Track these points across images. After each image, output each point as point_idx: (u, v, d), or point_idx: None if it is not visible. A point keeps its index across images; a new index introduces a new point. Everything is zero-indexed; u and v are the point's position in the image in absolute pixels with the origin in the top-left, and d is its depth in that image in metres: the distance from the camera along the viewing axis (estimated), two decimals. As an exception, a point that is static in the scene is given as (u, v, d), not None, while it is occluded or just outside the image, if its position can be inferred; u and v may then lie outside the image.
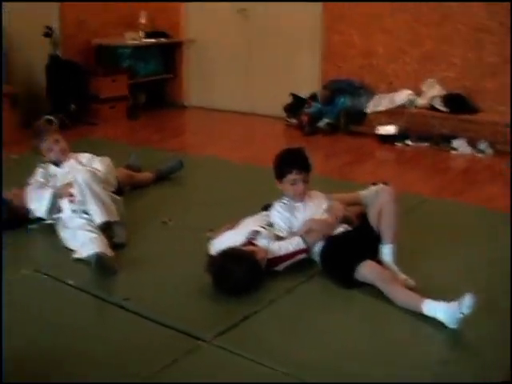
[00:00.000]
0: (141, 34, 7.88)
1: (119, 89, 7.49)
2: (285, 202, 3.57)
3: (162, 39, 7.97)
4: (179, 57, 8.32)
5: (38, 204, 4.03)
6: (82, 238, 3.64)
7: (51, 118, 6.94)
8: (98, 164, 4.27)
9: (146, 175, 4.93)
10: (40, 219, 4.11)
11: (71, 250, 3.69)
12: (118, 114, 7.50)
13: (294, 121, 7.24)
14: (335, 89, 7.02)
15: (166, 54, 8.21)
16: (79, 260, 3.58)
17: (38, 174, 4.27)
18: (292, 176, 3.49)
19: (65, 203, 3.97)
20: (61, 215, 3.98)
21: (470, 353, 2.79)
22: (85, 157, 4.40)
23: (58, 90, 7.13)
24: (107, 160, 4.38)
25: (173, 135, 7.05)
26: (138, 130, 7.31)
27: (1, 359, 2.42)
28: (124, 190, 4.50)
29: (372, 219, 3.43)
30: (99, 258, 3.37)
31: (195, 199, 4.70)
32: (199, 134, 7.12)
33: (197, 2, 8.02)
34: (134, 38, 7.83)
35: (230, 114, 7.85)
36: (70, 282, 3.35)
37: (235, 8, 7.73)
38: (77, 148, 4.55)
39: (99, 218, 3.76)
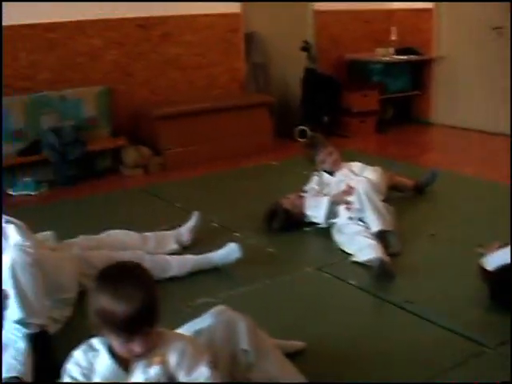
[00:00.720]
0: (391, 50, 8.09)
1: (370, 103, 7.72)
2: None
3: (413, 56, 8.09)
4: (428, 74, 8.38)
5: (316, 210, 4.34)
6: (360, 243, 3.87)
7: (305, 128, 7.42)
8: (370, 173, 4.48)
9: (407, 181, 5.05)
10: (314, 223, 4.43)
11: (347, 253, 3.95)
12: (367, 127, 7.75)
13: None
14: None
15: (415, 70, 8.30)
16: (356, 263, 3.82)
17: (314, 182, 4.60)
18: None
19: (341, 210, 4.24)
20: (336, 220, 4.27)
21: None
22: (356, 166, 4.64)
23: (312, 102, 7.52)
24: (379, 170, 4.58)
25: (421, 151, 7.15)
26: (386, 144, 7.49)
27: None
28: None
29: None
30: (381, 263, 3.58)
31: (457, 214, 4.75)
32: (448, 152, 7.13)
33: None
34: (384, 54, 8.05)
35: (476, 134, 7.75)
36: (352, 282, 3.60)
37: (490, 25, 7.65)
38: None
39: (376, 226, 3.98)
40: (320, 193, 4.51)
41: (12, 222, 3.15)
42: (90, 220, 4.75)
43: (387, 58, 7.97)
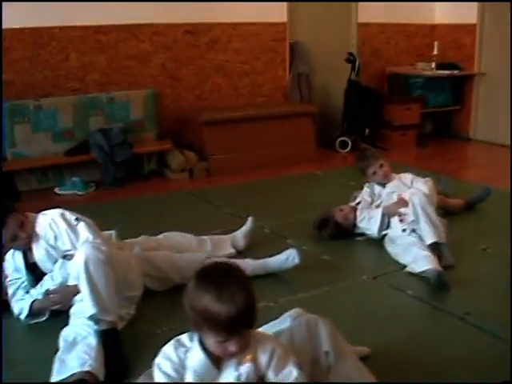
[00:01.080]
0: (432, 64, 8.11)
1: (412, 117, 7.76)
2: None
3: (455, 71, 8.10)
4: (468, 89, 8.38)
5: (369, 223, 4.37)
6: (415, 254, 3.89)
7: (346, 139, 7.45)
8: (422, 185, 4.50)
9: (458, 202, 5.07)
10: (363, 234, 4.47)
11: (401, 264, 3.98)
12: (407, 141, 7.77)
13: None
14: None
15: (456, 85, 8.32)
16: (411, 274, 3.85)
17: (365, 194, 4.62)
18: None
19: (395, 221, 4.27)
20: (388, 232, 4.30)
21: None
22: (407, 177, 4.66)
23: (355, 113, 7.56)
24: (430, 181, 4.60)
25: (462, 166, 7.16)
26: (426, 158, 7.50)
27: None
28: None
29: None
30: (439, 274, 3.60)
31: (506, 229, 4.74)
32: (490, 167, 7.12)
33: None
34: (425, 69, 8.09)
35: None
36: (409, 292, 3.63)
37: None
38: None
39: (430, 238, 4.00)
40: (371, 204, 4.54)
41: (82, 220, 3.22)
42: (140, 221, 4.82)
43: (429, 73, 7.99)
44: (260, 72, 7.31)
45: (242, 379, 2.03)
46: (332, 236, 4.43)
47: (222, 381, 2.05)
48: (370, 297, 3.63)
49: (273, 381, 2.05)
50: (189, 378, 2.03)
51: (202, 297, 1.93)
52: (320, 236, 4.46)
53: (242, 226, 4.29)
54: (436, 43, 8.26)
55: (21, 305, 3.25)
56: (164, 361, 2.06)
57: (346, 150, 7.46)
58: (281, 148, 6.78)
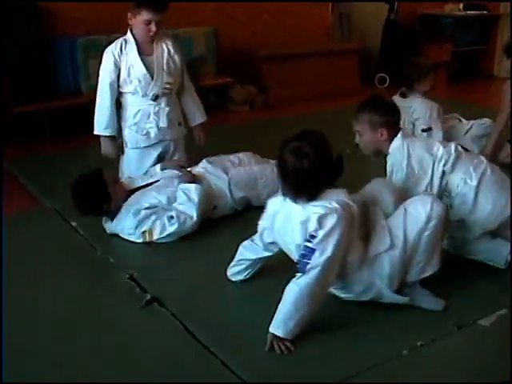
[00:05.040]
0: (460, 6, 8.58)
1: (444, 55, 8.24)
2: None
3: (484, 12, 8.57)
4: (494, 30, 8.86)
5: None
6: None
7: (385, 75, 7.91)
8: None
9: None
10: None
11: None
12: (440, 78, 8.21)
13: None
14: None
15: (482, 26, 8.80)
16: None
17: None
18: None
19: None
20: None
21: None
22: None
23: (392, 52, 8.00)
24: None
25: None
26: (458, 92, 7.99)
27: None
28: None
29: None
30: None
31: None
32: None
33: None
34: (453, 10, 8.55)
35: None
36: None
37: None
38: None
39: None
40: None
41: None
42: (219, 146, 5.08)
43: (459, 13, 8.45)
44: (305, 12, 7.70)
45: None
46: None
47: None
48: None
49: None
50: None
51: None
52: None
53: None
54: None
55: None
56: None
57: (385, 86, 7.93)
58: (330, 82, 7.28)
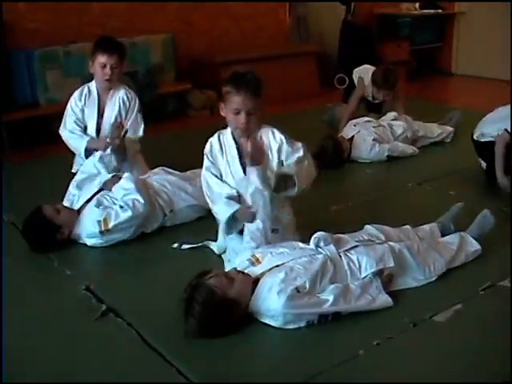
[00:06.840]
0: (416, 5, 8.71)
1: (402, 54, 8.36)
2: None
3: (439, 10, 8.69)
4: (449, 28, 8.99)
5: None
6: None
7: (344, 76, 7.96)
8: None
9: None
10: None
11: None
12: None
13: None
14: None
15: (438, 24, 8.92)
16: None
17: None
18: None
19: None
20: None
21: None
22: None
23: (350, 52, 8.07)
24: None
25: (455, 96, 7.76)
26: (417, 90, 8.04)
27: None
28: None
29: None
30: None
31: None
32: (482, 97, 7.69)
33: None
34: (409, 9, 8.67)
35: (496, 82, 8.33)
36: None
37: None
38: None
39: None
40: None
41: None
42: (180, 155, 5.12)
43: (415, 12, 8.57)
44: (263, 15, 7.73)
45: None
46: None
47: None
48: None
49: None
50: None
51: None
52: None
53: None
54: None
55: (77, 143, 4.29)
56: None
57: (344, 86, 7.98)
58: (289, 85, 7.31)
